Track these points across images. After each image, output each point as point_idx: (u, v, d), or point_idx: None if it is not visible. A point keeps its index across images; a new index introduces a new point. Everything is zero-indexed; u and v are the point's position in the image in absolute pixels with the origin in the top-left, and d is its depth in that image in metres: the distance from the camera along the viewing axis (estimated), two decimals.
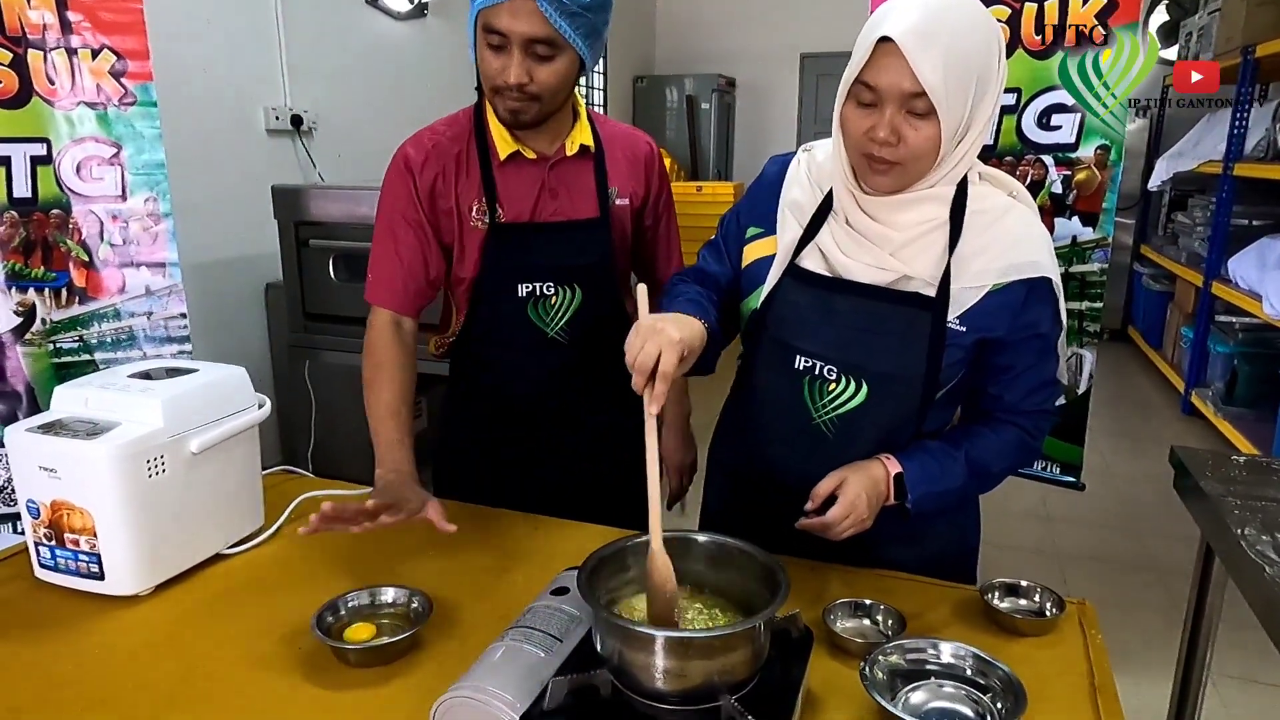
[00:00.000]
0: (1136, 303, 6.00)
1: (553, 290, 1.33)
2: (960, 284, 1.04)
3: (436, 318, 1.47)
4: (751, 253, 1.18)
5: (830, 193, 1.09)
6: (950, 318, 1.05)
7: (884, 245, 1.05)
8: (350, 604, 1.03)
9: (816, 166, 1.13)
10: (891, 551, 1.18)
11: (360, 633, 0.99)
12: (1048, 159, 1.97)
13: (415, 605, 1.03)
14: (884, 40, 0.93)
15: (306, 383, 2.81)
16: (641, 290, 1.03)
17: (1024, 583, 1.09)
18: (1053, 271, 1.06)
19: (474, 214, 1.31)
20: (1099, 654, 0.99)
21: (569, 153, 1.32)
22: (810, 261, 1.10)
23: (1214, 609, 1.39)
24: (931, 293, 1.04)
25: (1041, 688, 0.90)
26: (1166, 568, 2.87)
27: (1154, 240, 5.66)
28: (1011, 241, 1.05)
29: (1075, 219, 1.97)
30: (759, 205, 1.19)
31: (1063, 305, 1.09)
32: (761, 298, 1.14)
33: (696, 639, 0.81)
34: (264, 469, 1.34)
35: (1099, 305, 1.99)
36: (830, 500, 1.03)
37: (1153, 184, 5.38)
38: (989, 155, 2.04)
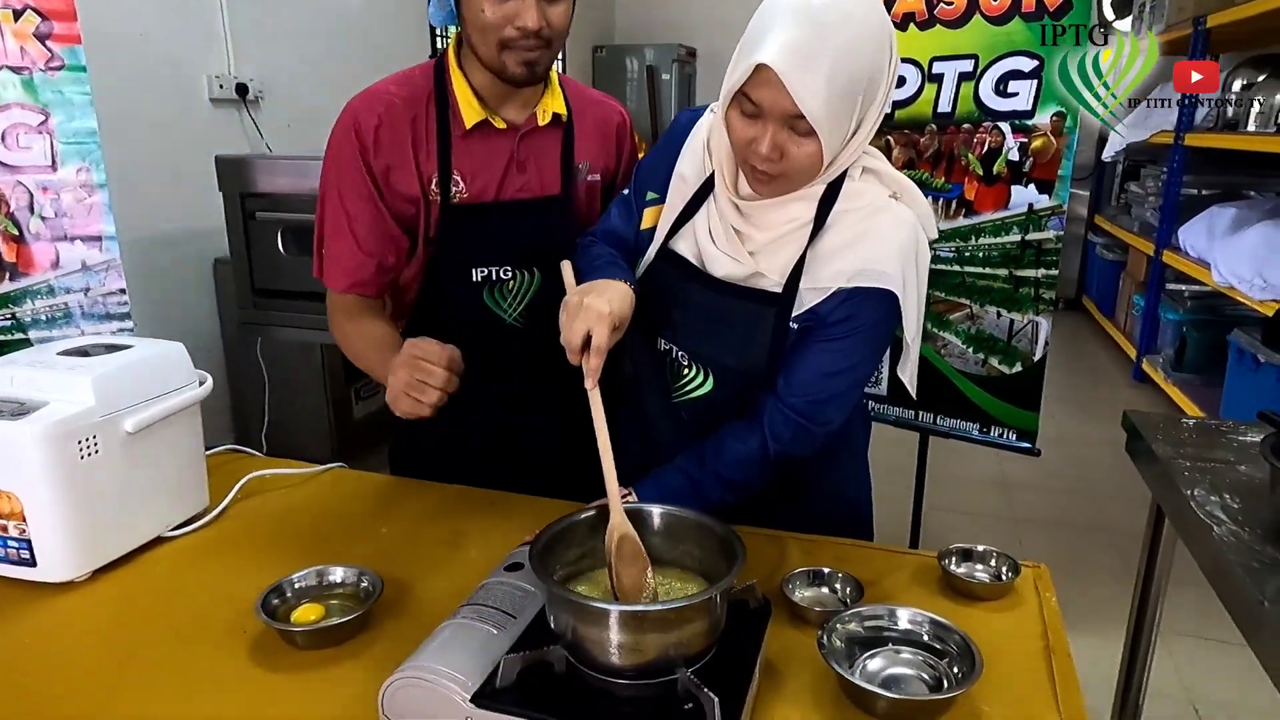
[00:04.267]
0: (1090, 272, 6.11)
1: (510, 274, 1.24)
2: (808, 284, 1.03)
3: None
4: (646, 219, 1.15)
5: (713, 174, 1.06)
6: (793, 315, 1.04)
7: (746, 242, 1.04)
8: (297, 585, 1.00)
9: (716, 135, 1.06)
10: (768, 512, 1.16)
11: (308, 614, 0.96)
12: (1005, 126, 1.97)
13: (365, 584, 1.01)
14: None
15: (259, 360, 2.74)
16: (565, 266, 1.02)
17: (980, 548, 1.09)
18: (898, 285, 1.00)
19: (433, 188, 1.21)
20: (1053, 616, 1.00)
21: (541, 122, 1.23)
22: (683, 245, 1.10)
23: (1164, 568, 1.42)
24: (779, 290, 1.03)
25: (997, 650, 0.90)
26: (1119, 530, 2.94)
27: (1107, 210, 5.75)
28: (871, 245, 1.01)
29: (1031, 186, 1.97)
30: (660, 167, 1.14)
31: (907, 321, 1.04)
32: (639, 271, 1.13)
33: (652, 612, 0.79)
34: (212, 449, 1.30)
35: (1054, 273, 2.01)
36: None
37: (1107, 154, 5.46)
38: (947, 123, 2.04)
